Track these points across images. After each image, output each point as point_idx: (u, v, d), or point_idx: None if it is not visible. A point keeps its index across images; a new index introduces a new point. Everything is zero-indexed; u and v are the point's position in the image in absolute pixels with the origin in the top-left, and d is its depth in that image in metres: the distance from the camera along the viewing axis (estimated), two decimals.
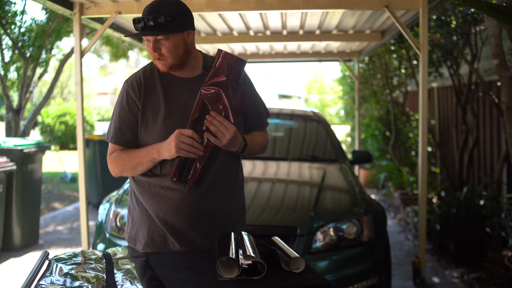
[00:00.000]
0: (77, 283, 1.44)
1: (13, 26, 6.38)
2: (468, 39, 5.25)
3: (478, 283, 4.18)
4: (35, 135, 15.55)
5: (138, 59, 26.15)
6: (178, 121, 1.91)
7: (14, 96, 8.38)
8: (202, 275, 1.55)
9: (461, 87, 5.78)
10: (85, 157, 4.59)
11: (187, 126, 1.88)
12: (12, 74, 6.88)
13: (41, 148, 5.43)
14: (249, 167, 4.08)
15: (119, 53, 10.30)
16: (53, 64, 13.37)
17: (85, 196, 4.48)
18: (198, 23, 5.84)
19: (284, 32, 6.56)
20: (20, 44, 6.44)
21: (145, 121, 1.95)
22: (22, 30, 6.48)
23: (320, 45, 7.67)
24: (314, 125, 4.95)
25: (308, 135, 4.95)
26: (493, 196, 4.95)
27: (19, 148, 5.07)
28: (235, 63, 1.91)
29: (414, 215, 5.67)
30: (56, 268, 1.54)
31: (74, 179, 9.72)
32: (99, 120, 22.17)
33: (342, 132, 13.56)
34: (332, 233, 3.11)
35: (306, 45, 7.71)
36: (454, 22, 5.27)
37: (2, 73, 6.62)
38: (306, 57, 8.66)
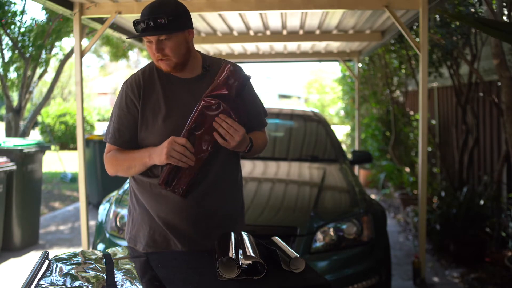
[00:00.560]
0: (77, 283, 1.44)
1: (13, 26, 6.38)
2: (468, 39, 5.25)
3: (478, 283, 4.18)
4: (35, 135, 15.55)
5: (138, 59, 26.17)
6: (178, 121, 1.91)
7: (14, 96, 8.38)
8: (202, 275, 1.55)
9: (461, 87, 5.78)
10: (85, 157, 4.59)
11: (182, 134, 1.85)
12: (12, 74, 6.88)
13: (41, 148, 5.43)
14: (249, 167, 4.08)
15: (119, 53, 10.30)
16: (53, 64, 13.36)
17: (85, 196, 4.48)
18: (198, 23, 5.84)
19: (284, 32, 6.56)
20: (20, 44, 6.44)
21: (145, 122, 1.95)
22: (22, 30, 6.48)
23: (320, 45, 7.66)
24: (314, 125, 4.95)
25: (308, 135, 4.95)
26: (493, 196, 4.95)
27: (19, 148, 5.07)
28: (240, 79, 1.88)
29: (414, 215, 5.67)
30: (56, 268, 1.54)
31: (74, 179, 9.72)
32: (99, 120, 22.18)
33: (342, 132, 13.56)
34: (332, 233, 3.11)
35: (306, 45, 7.71)
36: (456, 23, 5.26)
37: (2, 73, 6.62)
38: (306, 57, 8.65)
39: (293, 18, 5.70)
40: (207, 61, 2.04)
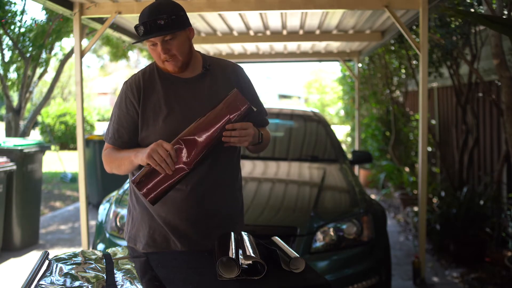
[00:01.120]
0: (77, 283, 1.45)
1: (13, 26, 6.38)
2: (468, 39, 5.25)
3: (478, 283, 4.18)
4: (35, 135, 15.55)
5: (138, 59, 26.17)
6: (179, 121, 1.92)
7: (14, 96, 8.38)
8: (202, 275, 1.56)
9: (461, 87, 5.78)
10: (85, 157, 4.59)
11: (173, 141, 1.80)
12: (12, 74, 6.87)
13: (41, 148, 5.43)
14: (249, 167, 4.08)
15: (119, 53, 10.29)
16: (53, 64, 13.37)
17: (85, 196, 4.48)
18: (198, 23, 5.84)
19: (284, 32, 6.56)
20: (20, 44, 6.44)
21: (146, 122, 1.95)
22: (22, 30, 6.48)
23: (320, 45, 7.66)
24: (314, 125, 4.95)
25: (308, 135, 4.95)
26: (493, 196, 4.95)
27: (19, 148, 5.07)
28: (247, 111, 1.84)
29: (414, 215, 5.67)
30: (56, 268, 1.54)
31: (74, 179, 9.72)
32: (99, 120, 22.18)
33: (342, 132, 13.56)
34: (332, 233, 3.11)
35: (306, 45, 7.71)
36: (455, 23, 5.27)
37: (2, 73, 6.62)
38: (306, 57, 8.66)
39: (293, 18, 5.70)
40: (207, 60, 2.04)
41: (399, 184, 7.53)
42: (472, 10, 4.99)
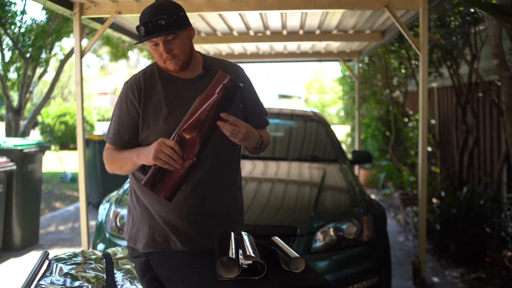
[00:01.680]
0: (77, 283, 1.45)
1: (13, 26, 6.38)
2: (468, 39, 5.25)
3: (478, 283, 4.18)
4: (35, 135, 15.55)
5: (138, 59, 26.18)
6: (180, 121, 1.92)
7: (14, 96, 8.39)
8: (202, 275, 1.56)
9: (461, 87, 5.78)
10: (85, 157, 4.59)
11: (172, 136, 1.81)
12: (12, 74, 6.88)
13: (41, 148, 5.43)
14: (249, 167, 4.08)
15: (119, 53, 10.29)
16: (53, 64, 13.36)
17: (85, 196, 4.48)
18: (198, 23, 5.84)
19: (284, 32, 6.56)
20: (20, 44, 6.44)
21: (147, 122, 1.95)
22: (22, 30, 6.48)
23: (320, 45, 7.66)
24: (314, 125, 4.95)
25: (308, 135, 4.95)
26: (493, 196, 4.95)
27: (19, 148, 5.07)
28: (231, 86, 1.85)
29: (414, 215, 5.67)
30: (56, 268, 1.54)
31: (74, 179, 9.72)
32: (99, 120, 22.17)
33: (342, 132, 13.56)
34: (332, 233, 3.11)
35: (306, 45, 7.71)
36: (454, 23, 5.27)
37: (2, 73, 6.62)
38: (306, 57, 8.65)
39: (293, 18, 5.70)
40: (208, 61, 2.05)
41: (399, 184, 7.53)
42: (472, 10, 4.99)
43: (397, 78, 8.20)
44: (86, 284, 1.44)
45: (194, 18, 5.47)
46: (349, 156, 5.48)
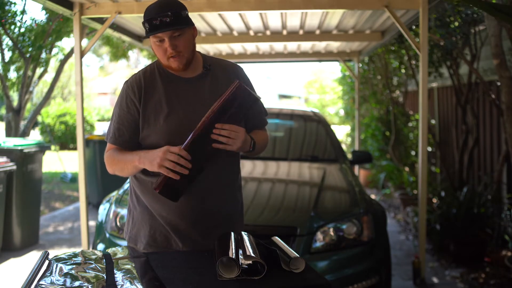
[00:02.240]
0: (77, 283, 1.45)
1: (13, 26, 6.38)
2: (468, 39, 5.25)
3: (478, 283, 4.18)
4: (35, 135, 15.55)
5: (138, 59, 26.16)
6: (180, 120, 1.92)
7: (14, 96, 8.38)
8: (202, 275, 1.56)
9: (461, 87, 5.78)
10: (85, 157, 4.59)
11: (184, 145, 1.81)
12: (12, 74, 6.88)
13: (41, 148, 5.43)
14: (249, 167, 4.08)
15: (119, 53, 10.29)
16: (53, 64, 13.36)
17: (85, 196, 4.48)
18: (198, 23, 5.84)
19: (284, 32, 6.56)
20: (20, 44, 6.44)
21: (147, 121, 1.95)
22: (22, 30, 6.48)
23: (320, 45, 7.66)
24: (314, 125, 4.95)
25: (308, 135, 4.94)
26: (493, 196, 4.95)
27: (19, 148, 5.07)
28: (247, 97, 1.85)
29: (414, 215, 5.67)
30: (56, 268, 1.54)
31: (74, 179, 9.72)
32: (99, 120, 22.17)
33: (342, 132, 13.56)
34: (332, 233, 3.11)
35: (306, 45, 7.70)
36: (454, 23, 5.27)
37: (2, 73, 6.62)
38: (306, 57, 8.65)
39: (293, 18, 5.70)
40: (208, 60, 2.05)
41: (399, 184, 7.53)
42: (471, 11, 4.99)
43: (397, 78, 8.20)
44: (86, 284, 1.44)
45: (194, 18, 5.47)
46: (349, 156, 5.48)
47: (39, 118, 13.61)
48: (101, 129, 16.20)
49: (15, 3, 6.30)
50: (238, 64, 2.15)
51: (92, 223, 5.94)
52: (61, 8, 4.35)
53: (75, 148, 14.90)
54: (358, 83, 8.41)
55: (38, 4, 4.46)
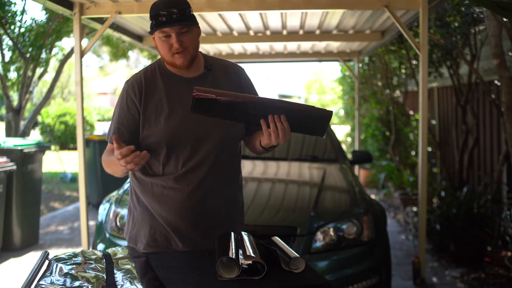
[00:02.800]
0: (77, 283, 1.44)
1: (13, 26, 6.38)
2: (468, 39, 5.25)
3: (478, 283, 4.18)
4: (35, 135, 15.55)
5: (138, 59, 26.15)
6: (181, 120, 1.92)
7: (14, 96, 8.38)
8: (202, 275, 1.55)
9: (461, 87, 5.78)
10: (85, 157, 4.59)
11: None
12: (12, 74, 6.88)
13: (41, 148, 5.42)
14: (249, 167, 4.08)
15: (119, 53, 10.29)
16: (53, 64, 13.36)
17: (85, 196, 4.48)
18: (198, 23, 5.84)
19: (284, 32, 6.56)
20: (20, 44, 6.44)
21: (148, 121, 1.95)
22: (22, 30, 6.48)
23: (320, 45, 7.67)
24: None
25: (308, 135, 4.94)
26: (493, 196, 4.95)
27: (19, 148, 5.07)
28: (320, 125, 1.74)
29: (414, 215, 5.67)
30: (56, 268, 1.54)
31: (74, 179, 9.72)
32: (99, 120, 22.17)
33: (342, 132, 13.56)
34: (332, 233, 3.11)
35: (306, 45, 7.71)
36: (454, 23, 5.26)
37: (2, 73, 6.62)
38: (306, 57, 8.66)
39: (293, 18, 5.70)
40: (209, 60, 2.05)
41: (399, 184, 7.53)
42: (472, 10, 4.99)
43: (397, 78, 8.20)
44: (86, 284, 1.44)
45: None
46: (349, 156, 5.48)
47: (39, 118, 13.61)
48: (101, 129, 16.21)
49: (15, 3, 6.30)
50: (239, 64, 2.15)
51: (92, 223, 5.94)
52: (61, 8, 4.35)
53: (75, 148, 14.91)
54: (358, 83, 8.41)
55: (38, 4, 4.46)
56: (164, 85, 1.97)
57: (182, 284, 1.48)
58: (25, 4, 6.57)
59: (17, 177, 5.09)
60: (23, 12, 6.46)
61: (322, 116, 1.71)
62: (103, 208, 3.60)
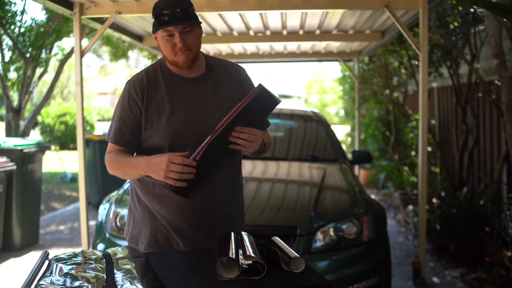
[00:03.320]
0: (77, 283, 1.44)
1: (13, 26, 6.38)
2: (468, 39, 5.25)
3: (478, 283, 4.18)
4: (35, 135, 15.55)
5: (138, 59, 26.15)
6: (182, 120, 1.92)
7: (14, 96, 8.38)
8: (202, 275, 1.56)
9: (461, 87, 5.78)
10: (85, 157, 4.59)
11: (198, 151, 1.79)
12: (12, 74, 6.88)
13: (41, 148, 5.42)
14: (249, 167, 4.08)
15: (119, 53, 10.29)
16: (53, 64, 13.36)
17: (85, 196, 4.48)
18: None
19: (284, 32, 6.56)
20: (20, 44, 6.44)
21: (149, 121, 1.95)
22: (22, 30, 6.48)
23: (320, 45, 7.66)
24: (314, 125, 4.95)
25: (308, 135, 4.94)
26: (493, 196, 4.95)
27: (19, 148, 5.07)
28: (269, 100, 1.82)
29: (414, 215, 5.67)
30: (56, 268, 1.54)
31: (74, 179, 9.72)
32: (99, 120, 22.16)
33: (342, 132, 13.56)
34: (332, 233, 3.11)
35: (306, 45, 7.71)
36: (454, 23, 5.26)
37: (2, 73, 6.62)
38: (306, 57, 8.66)
39: (293, 18, 5.70)
40: (210, 61, 2.05)
41: (399, 184, 7.53)
42: (472, 10, 4.99)
43: (397, 78, 8.20)
44: (86, 284, 1.44)
45: None
46: (349, 156, 5.47)
47: (39, 118, 13.60)
48: (101, 129, 16.19)
49: (15, 3, 6.30)
50: (239, 64, 2.15)
51: (92, 223, 5.94)
52: (61, 8, 4.35)
53: (75, 148, 14.90)
54: (358, 83, 8.41)
55: (38, 4, 4.46)
56: (166, 85, 1.97)
57: (182, 284, 1.48)
58: (25, 4, 6.57)
59: (17, 177, 5.09)
60: (23, 12, 6.46)
61: (260, 98, 1.80)
62: (103, 208, 3.60)
